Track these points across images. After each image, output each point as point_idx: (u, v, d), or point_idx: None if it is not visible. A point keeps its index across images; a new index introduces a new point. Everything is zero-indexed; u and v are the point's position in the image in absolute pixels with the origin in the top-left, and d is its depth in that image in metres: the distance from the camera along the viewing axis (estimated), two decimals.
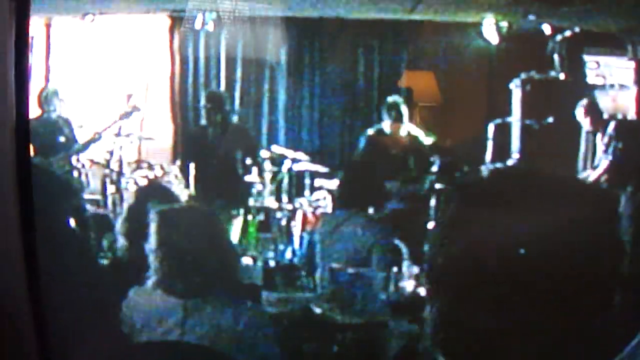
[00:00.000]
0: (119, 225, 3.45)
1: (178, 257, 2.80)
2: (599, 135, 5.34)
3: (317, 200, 5.81)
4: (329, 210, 5.55)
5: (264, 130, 6.68)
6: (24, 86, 1.93)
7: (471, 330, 1.38)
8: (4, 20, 1.89)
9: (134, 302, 2.80)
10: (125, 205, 5.40)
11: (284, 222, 5.80)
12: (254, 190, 5.82)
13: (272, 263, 5.16)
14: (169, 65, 6.64)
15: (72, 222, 3.27)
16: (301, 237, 5.56)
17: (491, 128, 5.89)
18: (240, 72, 6.63)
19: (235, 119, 6.34)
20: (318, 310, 3.91)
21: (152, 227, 2.85)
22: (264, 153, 6.04)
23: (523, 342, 1.35)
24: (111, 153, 5.78)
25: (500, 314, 1.35)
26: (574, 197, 1.42)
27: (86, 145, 5.69)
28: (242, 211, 5.72)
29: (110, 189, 5.71)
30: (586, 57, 5.96)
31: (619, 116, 5.51)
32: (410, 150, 5.96)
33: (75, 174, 5.59)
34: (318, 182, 5.91)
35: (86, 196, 5.45)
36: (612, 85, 5.83)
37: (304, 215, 5.76)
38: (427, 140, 6.01)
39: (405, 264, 4.17)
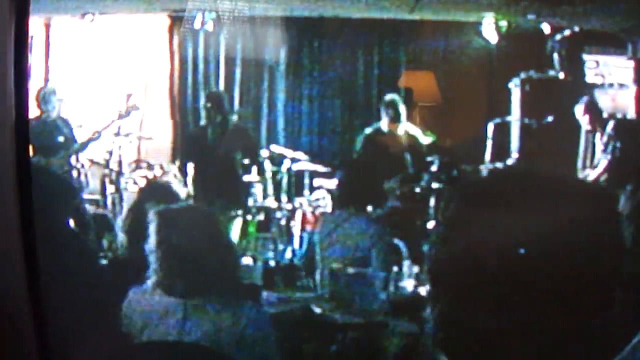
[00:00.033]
0: (118, 225, 3.45)
1: (178, 257, 2.80)
2: (598, 135, 5.34)
3: (317, 200, 5.81)
4: (329, 210, 5.55)
5: (264, 130, 6.68)
6: (23, 86, 1.93)
7: (471, 330, 1.38)
8: (4, 20, 1.89)
9: (134, 302, 2.80)
10: (125, 205, 5.41)
11: (283, 222, 5.81)
12: (254, 190, 5.82)
13: (272, 263, 5.16)
14: (169, 65, 6.64)
15: (72, 222, 3.27)
16: (301, 237, 5.57)
17: (490, 127, 5.89)
18: (240, 72, 6.63)
19: (235, 118, 6.33)
20: (318, 310, 3.91)
21: (152, 227, 2.85)
22: (263, 153, 6.05)
23: (523, 341, 1.35)
24: (110, 153, 5.78)
25: (500, 314, 1.35)
26: (574, 197, 1.42)
27: (85, 145, 5.69)
28: (241, 211, 5.72)
29: (110, 188, 5.72)
30: (585, 57, 5.96)
31: (618, 115, 5.51)
32: (407, 149, 5.96)
33: (75, 173, 5.59)
34: (317, 181, 5.91)
35: (86, 196, 5.45)
36: (611, 85, 5.83)
37: (304, 215, 5.76)
38: (425, 139, 6.01)
39: (405, 264, 4.17)
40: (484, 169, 5.74)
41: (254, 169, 5.83)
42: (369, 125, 6.09)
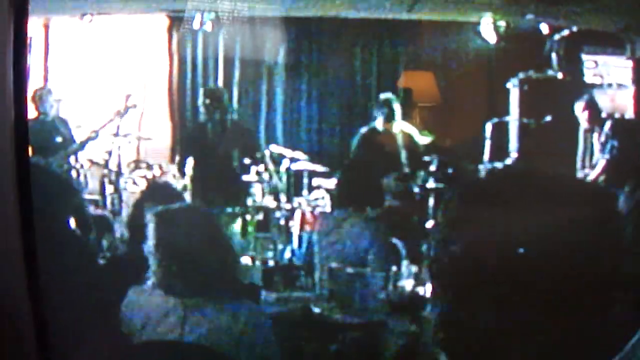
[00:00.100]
0: (118, 225, 3.46)
1: (177, 257, 2.80)
2: (596, 134, 5.35)
3: (316, 199, 5.81)
4: (328, 209, 5.55)
5: (262, 129, 6.68)
6: (22, 86, 1.93)
7: (471, 330, 1.38)
8: (3, 21, 1.89)
9: (134, 302, 2.80)
10: (124, 206, 5.41)
11: (282, 222, 5.80)
12: (252, 190, 5.81)
13: (271, 263, 5.16)
14: (167, 65, 6.63)
15: (72, 222, 3.27)
16: (300, 237, 5.56)
17: (489, 127, 5.89)
18: (238, 72, 6.62)
19: (234, 115, 6.32)
20: (317, 310, 3.91)
21: (151, 227, 2.85)
22: (262, 152, 6.04)
23: (523, 341, 1.35)
24: (109, 153, 5.78)
25: (500, 314, 1.35)
26: (572, 196, 1.43)
27: (83, 144, 5.68)
28: (240, 210, 5.72)
29: (109, 189, 5.71)
30: (584, 56, 5.96)
31: (617, 115, 5.51)
32: (403, 148, 5.96)
33: (74, 174, 5.58)
34: (316, 181, 5.91)
35: (85, 196, 5.45)
36: (610, 85, 5.84)
37: (303, 215, 5.76)
38: (421, 137, 6.01)
39: (404, 263, 4.17)
40: (483, 169, 5.74)
41: (253, 168, 5.83)
42: (365, 125, 6.09)
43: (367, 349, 3.71)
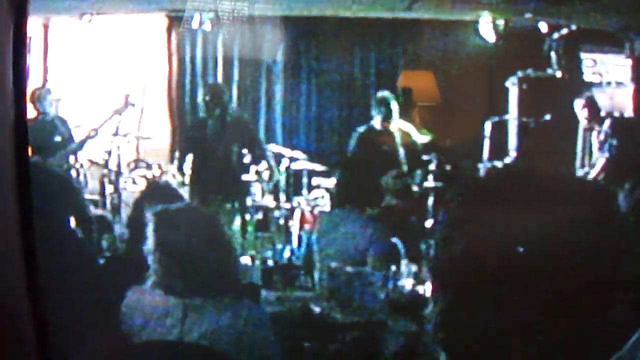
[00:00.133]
0: (118, 225, 3.46)
1: (177, 257, 2.80)
2: (595, 133, 5.35)
3: (315, 199, 5.81)
4: (327, 209, 5.55)
5: (262, 129, 6.68)
6: (22, 86, 1.93)
7: (471, 329, 1.38)
8: (3, 21, 1.89)
9: (134, 302, 2.80)
10: (124, 205, 5.41)
11: (282, 221, 5.80)
12: (252, 189, 5.81)
13: (270, 262, 5.15)
14: (167, 65, 6.64)
15: (71, 222, 3.27)
16: (299, 236, 5.57)
17: (488, 126, 5.90)
18: (238, 71, 6.63)
19: (234, 109, 6.31)
20: (317, 309, 3.91)
21: (150, 227, 2.85)
22: (263, 148, 6.04)
23: (523, 340, 1.35)
24: (109, 153, 5.78)
25: (500, 313, 1.35)
26: (572, 195, 1.43)
27: (82, 143, 5.68)
28: (240, 210, 5.72)
29: (109, 188, 5.71)
30: (583, 55, 5.96)
31: (616, 113, 5.52)
32: (401, 146, 5.96)
33: (74, 173, 5.58)
34: (316, 180, 5.91)
35: (85, 196, 5.45)
36: (609, 83, 5.84)
37: (302, 214, 5.76)
38: (419, 136, 6.01)
39: (403, 262, 4.17)
40: (482, 168, 5.74)
41: (253, 168, 5.82)
42: (363, 124, 6.09)
43: (367, 349, 3.71)
